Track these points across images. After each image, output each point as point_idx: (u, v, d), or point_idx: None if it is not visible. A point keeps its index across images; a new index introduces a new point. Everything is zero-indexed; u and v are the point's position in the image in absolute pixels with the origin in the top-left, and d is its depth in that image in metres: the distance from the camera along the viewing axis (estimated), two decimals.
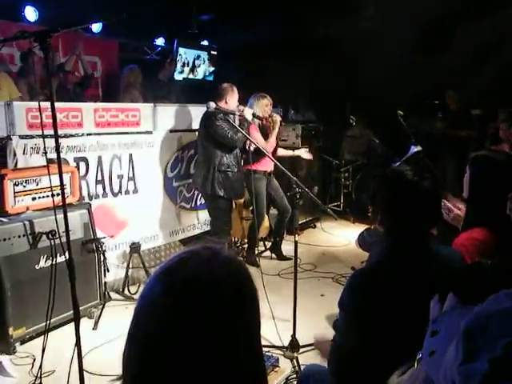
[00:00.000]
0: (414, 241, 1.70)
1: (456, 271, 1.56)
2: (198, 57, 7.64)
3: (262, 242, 5.77)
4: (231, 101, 4.44)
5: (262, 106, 4.92)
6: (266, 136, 5.00)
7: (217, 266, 0.92)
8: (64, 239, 2.30)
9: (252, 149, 4.49)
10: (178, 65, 7.01)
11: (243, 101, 4.69)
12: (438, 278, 1.65)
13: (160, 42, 7.49)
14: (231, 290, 0.91)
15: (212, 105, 4.28)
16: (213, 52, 7.92)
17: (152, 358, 0.87)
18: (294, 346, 3.34)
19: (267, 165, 5.06)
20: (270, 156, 4.20)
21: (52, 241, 3.13)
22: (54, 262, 3.01)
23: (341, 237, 6.35)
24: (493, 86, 6.01)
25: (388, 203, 1.74)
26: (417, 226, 1.70)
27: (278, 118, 5.02)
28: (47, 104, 2.34)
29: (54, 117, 2.24)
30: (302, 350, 3.36)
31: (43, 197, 3.52)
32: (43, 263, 3.38)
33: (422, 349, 0.99)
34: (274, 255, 5.54)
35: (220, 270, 0.91)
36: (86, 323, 3.68)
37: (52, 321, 3.09)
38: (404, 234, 1.70)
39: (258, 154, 4.66)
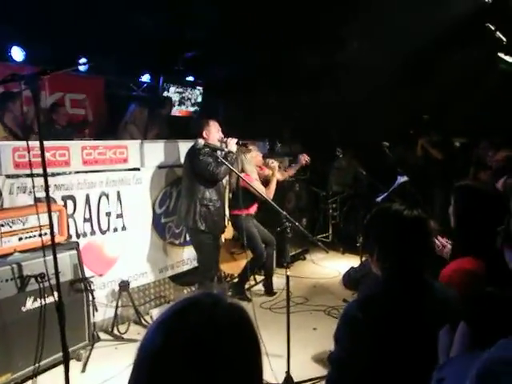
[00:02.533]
0: (408, 273, 1.71)
1: (452, 306, 1.56)
2: (183, 92, 7.77)
3: (252, 276, 5.72)
4: (210, 135, 4.46)
5: (251, 159, 5.06)
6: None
7: (218, 314, 0.91)
8: (53, 281, 2.25)
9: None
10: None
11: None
12: (434, 312, 1.65)
13: (146, 78, 7.57)
14: (233, 339, 0.90)
15: (201, 142, 4.33)
16: (198, 87, 8.04)
17: None
18: (288, 382, 3.29)
19: (255, 208, 5.19)
20: (272, 202, 4.02)
21: (41, 284, 3.06)
22: (42, 305, 2.94)
23: (331, 268, 6.33)
24: (476, 114, 6.14)
25: (381, 237, 1.76)
26: (410, 257, 1.70)
27: (275, 164, 5.11)
28: (35, 143, 2.33)
29: (43, 156, 2.23)
30: None
31: (30, 237, 3.47)
32: (30, 305, 3.30)
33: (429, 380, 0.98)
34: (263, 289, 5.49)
35: (222, 319, 0.91)
36: (74, 366, 3.57)
37: (39, 364, 3.01)
38: (398, 266, 1.71)
39: (250, 199, 4.91)
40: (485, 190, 2.27)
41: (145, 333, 0.93)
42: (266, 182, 5.20)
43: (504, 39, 5.76)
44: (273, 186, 5.12)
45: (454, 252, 2.27)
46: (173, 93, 7.59)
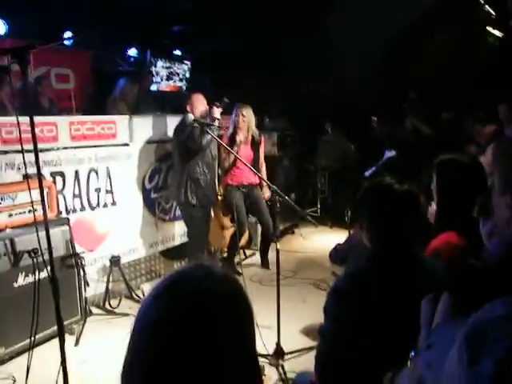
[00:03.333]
0: (397, 246, 1.74)
1: (440, 279, 1.60)
2: (171, 67, 7.67)
3: (241, 251, 5.79)
4: (193, 109, 4.46)
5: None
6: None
7: (212, 284, 0.93)
8: (46, 256, 2.27)
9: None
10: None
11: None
12: (422, 285, 1.70)
13: (133, 52, 7.45)
14: (228, 307, 0.92)
15: (191, 117, 4.32)
16: (186, 62, 7.95)
17: (156, 381, 0.88)
18: (279, 353, 3.36)
19: (240, 178, 5.09)
20: (261, 176, 4.12)
21: (34, 259, 3.07)
22: (35, 280, 2.96)
23: (319, 242, 6.41)
24: (464, 89, 6.16)
25: (371, 210, 1.79)
26: (399, 231, 1.74)
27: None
28: (24, 119, 2.31)
29: (33, 131, 2.20)
30: (287, 357, 3.39)
31: (20, 213, 3.46)
32: (22, 281, 3.33)
33: (415, 348, 1.02)
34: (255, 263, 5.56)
35: (215, 288, 0.93)
36: (67, 340, 3.56)
37: (32, 339, 3.04)
38: (387, 239, 1.74)
39: (226, 168, 4.96)
40: (465, 163, 2.26)
41: (139, 306, 0.95)
42: None
43: (493, 13, 5.74)
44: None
45: (438, 225, 2.29)
46: (160, 67, 7.49)
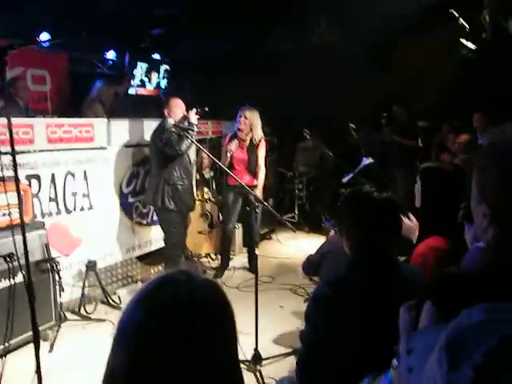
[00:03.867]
0: (377, 253, 1.77)
1: (419, 285, 1.63)
2: (150, 70, 7.62)
3: (214, 256, 5.78)
4: (171, 113, 4.44)
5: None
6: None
7: (194, 288, 0.94)
8: (22, 261, 2.23)
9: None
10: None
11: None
12: (399, 291, 1.72)
13: (111, 55, 7.37)
14: (209, 311, 0.93)
15: (170, 121, 4.31)
16: (165, 66, 7.91)
17: None
18: (256, 358, 3.36)
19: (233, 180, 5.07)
20: (240, 181, 4.04)
21: (10, 263, 3.01)
22: (11, 285, 2.90)
23: (297, 247, 6.43)
24: (438, 99, 6.30)
25: (351, 217, 1.81)
26: (379, 238, 1.76)
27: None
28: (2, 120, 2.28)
29: (10, 132, 2.17)
30: (264, 362, 3.39)
31: None
32: None
33: (394, 355, 1.04)
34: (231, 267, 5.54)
35: (197, 292, 0.94)
36: (41, 346, 3.53)
37: (6, 345, 2.98)
38: (368, 245, 1.77)
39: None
40: (450, 170, 2.35)
41: (122, 311, 0.95)
42: None
43: (467, 26, 5.89)
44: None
45: (422, 231, 2.35)
46: (139, 71, 7.44)
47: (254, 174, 5.12)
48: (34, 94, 6.24)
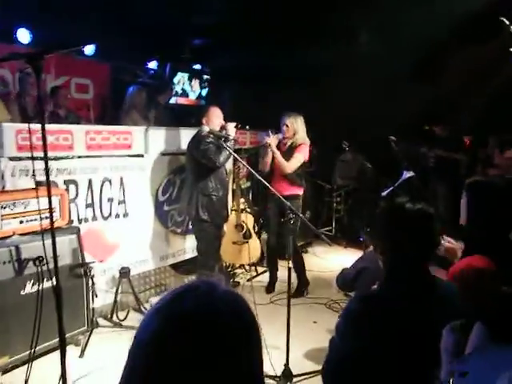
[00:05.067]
0: (413, 268, 1.67)
1: (456, 304, 1.53)
2: (191, 79, 7.70)
3: (253, 267, 5.70)
4: (209, 122, 4.42)
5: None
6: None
7: (216, 298, 0.90)
8: (52, 265, 2.22)
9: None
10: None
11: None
12: (436, 310, 1.62)
13: (153, 65, 7.49)
14: (231, 322, 0.88)
15: (205, 128, 4.29)
16: (206, 76, 7.97)
17: None
18: (287, 374, 3.27)
19: (274, 188, 4.55)
20: (276, 192, 3.95)
21: (39, 267, 3.03)
22: (40, 289, 2.91)
23: (333, 261, 6.29)
24: (483, 113, 6.07)
25: (384, 232, 1.73)
26: (411, 249, 1.67)
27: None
28: (38, 126, 2.30)
29: (44, 138, 2.19)
30: (295, 379, 3.29)
31: (31, 220, 3.44)
32: (29, 289, 3.27)
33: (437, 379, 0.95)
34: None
35: (219, 303, 0.89)
36: (72, 351, 3.56)
37: (37, 349, 2.99)
38: (404, 261, 1.67)
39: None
40: (498, 184, 2.21)
41: (143, 317, 0.92)
42: None
43: None
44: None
45: (468, 252, 2.20)
46: (179, 81, 7.52)
47: (291, 181, 5.00)
48: (76, 102, 6.38)
